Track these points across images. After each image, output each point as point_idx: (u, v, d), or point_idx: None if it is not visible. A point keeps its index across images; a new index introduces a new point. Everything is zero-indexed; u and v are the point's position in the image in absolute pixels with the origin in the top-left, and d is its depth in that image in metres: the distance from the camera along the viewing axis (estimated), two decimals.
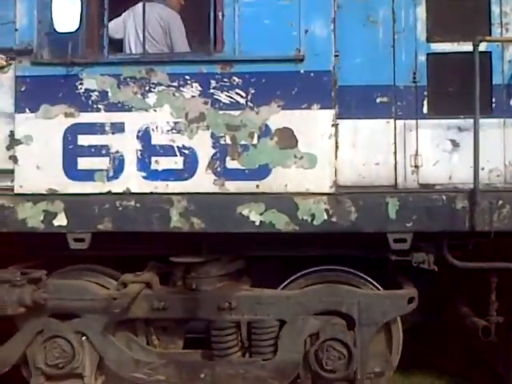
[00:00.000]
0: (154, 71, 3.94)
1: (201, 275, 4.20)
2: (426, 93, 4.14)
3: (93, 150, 3.98)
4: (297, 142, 3.86)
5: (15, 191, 4.05)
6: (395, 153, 4.13)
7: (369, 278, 4.27)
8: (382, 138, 4.10)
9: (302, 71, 3.87)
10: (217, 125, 3.89)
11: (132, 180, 3.97)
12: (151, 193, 3.94)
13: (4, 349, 4.28)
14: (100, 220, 3.96)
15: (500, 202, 3.79)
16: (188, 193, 3.91)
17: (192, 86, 3.92)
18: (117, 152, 3.96)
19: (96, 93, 3.97)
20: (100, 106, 3.98)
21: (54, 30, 3.89)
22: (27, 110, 4.03)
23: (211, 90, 3.91)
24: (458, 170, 4.11)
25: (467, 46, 4.07)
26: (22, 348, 4.22)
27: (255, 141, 3.88)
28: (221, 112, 3.89)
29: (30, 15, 4.04)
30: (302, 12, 3.86)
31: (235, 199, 3.88)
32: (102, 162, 3.98)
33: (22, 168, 4.05)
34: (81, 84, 3.99)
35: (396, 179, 4.12)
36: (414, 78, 4.14)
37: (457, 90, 4.20)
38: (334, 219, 3.83)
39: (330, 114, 3.87)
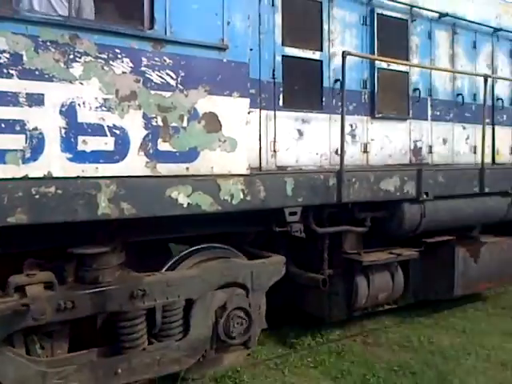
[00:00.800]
0: (79, 38, 3.44)
1: (102, 266, 3.92)
2: (281, 88, 4.95)
3: (3, 125, 3.20)
4: (221, 126, 4.07)
5: None
6: (260, 139, 4.81)
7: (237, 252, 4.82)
8: (253, 126, 4.69)
9: (224, 60, 4.08)
10: (148, 105, 3.71)
11: (55, 162, 3.39)
12: (78, 177, 3.46)
13: None
14: (11, 211, 3.25)
15: (353, 179, 4.95)
16: (120, 176, 3.62)
17: (123, 61, 3.60)
18: (35, 129, 3.30)
19: (6, 54, 3.20)
20: (12, 72, 3.22)
21: None
22: None
23: (143, 68, 3.68)
24: (302, 154, 5.09)
25: (308, 53, 5.09)
26: None
27: (185, 123, 3.89)
28: (152, 92, 3.73)
29: None
30: (225, 3, 4.06)
31: (165, 182, 3.82)
32: (15, 141, 3.25)
33: None
34: None
35: (260, 162, 4.80)
36: (273, 74, 4.88)
37: (301, 88, 5.15)
38: (248, 198, 4.24)
39: (246, 102, 4.23)
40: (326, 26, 5.30)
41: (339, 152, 4.95)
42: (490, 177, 6.09)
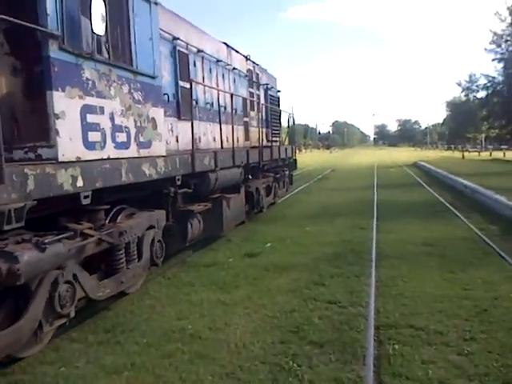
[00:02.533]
0: (111, 71, 5.52)
1: (107, 218, 5.97)
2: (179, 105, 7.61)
3: (91, 126, 5.13)
4: (156, 126, 6.61)
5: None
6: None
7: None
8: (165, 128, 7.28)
9: (155, 84, 6.60)
10: (134, 112, 6.03)
11: (109, 149, 5.44)
12: (117, 158, 5.57)
13: None
14: (96, 180, 5.22)
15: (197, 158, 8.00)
16: (128, 158, 5.83)
17: (125, 86, 5.87)
18: (103, 129, 5.34)
19: (90, 82, 5.12)
20: (93, 93, 5.15)
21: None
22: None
23: (131, 90, 6.00)
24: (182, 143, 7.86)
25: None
26: None
27: (145, 124, 6.34)
28: (136, 104, 6.05)
29: None
30: (155, 55, 6.56)
31: (142, 161, 6.18)
32: (97, 136, 5.21)
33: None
34: None
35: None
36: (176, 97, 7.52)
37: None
38: (164, 169, 6.86)
39: (163, 111, 6.82)
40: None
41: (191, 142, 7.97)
42: (236, 155, 10.06)
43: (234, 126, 10.50)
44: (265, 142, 14.09)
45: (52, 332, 5.06)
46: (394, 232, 10.64)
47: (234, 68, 11.68)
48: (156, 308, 6.30)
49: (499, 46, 28.88)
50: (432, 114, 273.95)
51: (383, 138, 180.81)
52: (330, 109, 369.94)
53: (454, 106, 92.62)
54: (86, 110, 5.06)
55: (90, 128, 5.12)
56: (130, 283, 6.34)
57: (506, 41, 28.37)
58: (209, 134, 9.96)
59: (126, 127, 5.83)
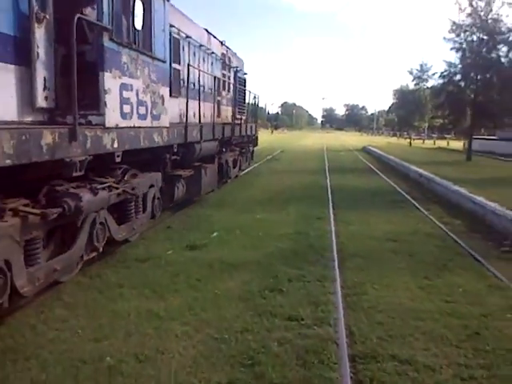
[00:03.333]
0: (138, 57, 6.83)
1: (122, 175, 7.34)
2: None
3: (125, 100, 6.46)
4: (164, 102, 7.95)
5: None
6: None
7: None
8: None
9: (165, 67, 7.92)
10: (150, 90, 7.36)
11: (134, 119, 6.79)
12: (139, 127, 6.92)
13: None
14: (125, 144, 6.57)
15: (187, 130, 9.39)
16: (146, 127, 7.19)
17: (146, 68, 7.18)
18: (131, 103, 6.67)
19: (124, 64, 6.44)
20: (126, 73, 6.48)
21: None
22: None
23: (150, 72, 7.30)
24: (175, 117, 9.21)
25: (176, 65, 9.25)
26: None
27: (158, 100, 7.68)
28: (152, 84, 7.36)
29: None
30: (166, 38, 7.87)
31: (153, 130, 7.54)
32: (128, 108, 6.55)
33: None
34: None
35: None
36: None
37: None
38: (167, 137, 8.23)
39: (168, 89, 8.18)
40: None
41: (180, 116, 9.32)
42: (216, 129, 11.51)
43: (211, 104, 11.93)
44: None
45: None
46: (353, 224, 10.11)
47: (212, 52, 13.01)
48: (68, 322, 5.02)
49: (458, 35, 29.87)
50: (379, 100, 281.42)
51: (330, 121, 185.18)
52: (280, 90, 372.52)
53: (401, 93, 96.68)
54: (122, 87, 6.39)
55: (125, 102, 6.46)
56: (139, 230, 7.76)
57: (465, 31, 29.55)
58: (190, 111, 11.30)
59: (145, 102, 7.19)
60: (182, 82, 10.33)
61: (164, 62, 7.95)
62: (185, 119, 10.53)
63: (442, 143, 57.67)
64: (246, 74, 18.78)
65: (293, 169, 22.43)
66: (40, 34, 4.98)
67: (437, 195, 14.41)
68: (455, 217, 11.04)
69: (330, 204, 12.50)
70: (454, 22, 29.64)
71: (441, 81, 32.12)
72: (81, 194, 5.48)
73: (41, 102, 5.09)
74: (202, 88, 11.94)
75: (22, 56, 4.77)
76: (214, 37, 13.62)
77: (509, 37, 28.92)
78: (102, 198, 6.03)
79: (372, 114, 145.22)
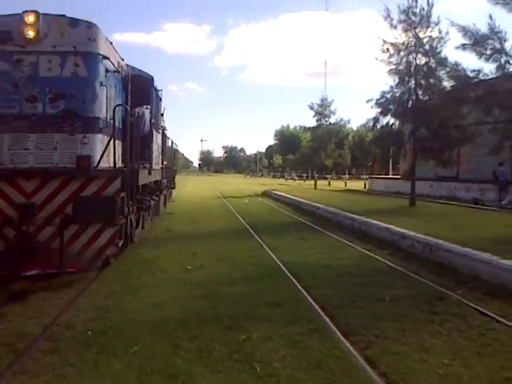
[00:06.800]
0: None
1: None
2: None
3: None
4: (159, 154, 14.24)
5: None
6: None
7: None
8: None
9: (163, 134, 14.26)
10: None
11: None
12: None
13: None
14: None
15: None
16: (159, 168, 13.43)
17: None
18: None
19: None
20: None
21: None
22: None
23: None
24: None
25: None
26: None
27: (161, 154, 13.93)
28: None
29: None
30: (163, 117, 14.23)
31: (158, 171, 13.77)
32: None
33: None
34: None
35: None
36: None
37: None
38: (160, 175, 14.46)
39: None
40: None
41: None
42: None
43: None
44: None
45: None
46: None
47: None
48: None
49: (391, 56, 23.16)
50: (257, 142, 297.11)
51: (208, 164, 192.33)
52: None
53: (281, 134, 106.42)
54: (158, 150, 12.63)
55: (155, 158, 12.66)
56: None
57: (399, 51, 22.79)
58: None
59: (159, 156, 13.40)
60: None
61: (163, 129, 14.28)
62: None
63: (324, 183, 51.82)
64: None
65: (201, 231, 14.23)
66: (130, 126, 10.84)
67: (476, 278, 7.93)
68: None
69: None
70: (385, 41, 23.14)
71: (378, 109, 24.28)
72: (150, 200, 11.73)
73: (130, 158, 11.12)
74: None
75: (124, 136, 10.35)
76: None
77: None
78: (155, 202, 12.28)
79: (254, 155, 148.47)
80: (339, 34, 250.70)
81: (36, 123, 7.98)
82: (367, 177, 54.24)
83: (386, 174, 56.92)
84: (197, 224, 15.84)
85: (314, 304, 6.65)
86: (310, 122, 61.75)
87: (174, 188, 24.52)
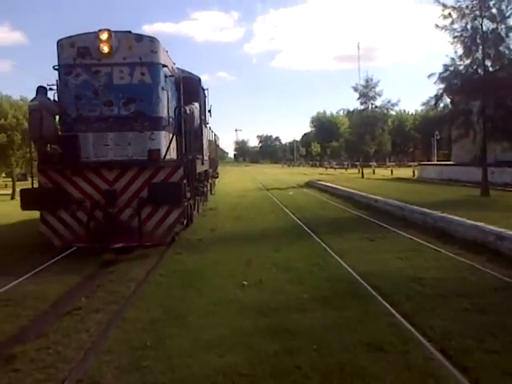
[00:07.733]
0: None
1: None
2: None
3: None
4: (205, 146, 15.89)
5: None
6: None
7: None
8: None
9: (208, 128, 15.91)
10: None
11: None
12: None
13: None
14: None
15: None
16: (207, 159, 15.08)
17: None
18: None
19: None
20: None
21: None
22: None
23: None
24: None
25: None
26: None
27: (208, 148, 15.58)
28: None
29: None
30: (207, 112, 15.91)
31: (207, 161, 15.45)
32: None
33: None
34: None
35: None
36: None
37: None
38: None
39: None
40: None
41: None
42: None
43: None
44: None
45: None
46: None
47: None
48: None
49: (453, 22, 19.99)
50: (292, 130, 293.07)
51: (243, 154, 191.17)
52: None
53: (317, 120, 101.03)
54: (206, 143, 14.23)
55: (205, 150, 14.26)
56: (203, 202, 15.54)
57: (463, 15, 20.05)
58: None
59: (207, 148, 15.00)
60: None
61: (207, 124, 15.88)
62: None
63: (368, 171, 47.60)
64: None
65: (250, 230, 12.73)
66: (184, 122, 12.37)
67: None
68: None
69: None
70: (445, 5, 20.25)
71: (441, 85, 21.37)
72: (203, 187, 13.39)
73: (184, 150, 12.67)
74: None
75: (179, 131, 11.83)
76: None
77: None
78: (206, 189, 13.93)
79: (290, 143, 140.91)
80: (373, 15, 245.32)
81: (113, 123, 9.67)
82: (415, 163, 52.39)
83: (428, 160, 54.94)
84: (243, 221, 14.36)
85: (429, 347, 4.69)
86: (350, 105, 56.15)
87: (217, 177, 25.45)
